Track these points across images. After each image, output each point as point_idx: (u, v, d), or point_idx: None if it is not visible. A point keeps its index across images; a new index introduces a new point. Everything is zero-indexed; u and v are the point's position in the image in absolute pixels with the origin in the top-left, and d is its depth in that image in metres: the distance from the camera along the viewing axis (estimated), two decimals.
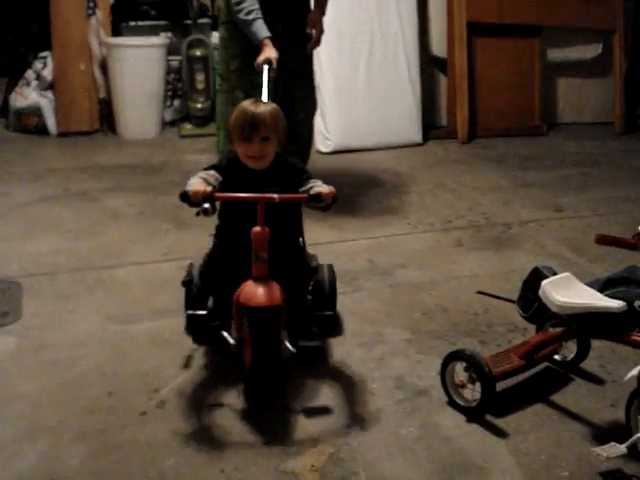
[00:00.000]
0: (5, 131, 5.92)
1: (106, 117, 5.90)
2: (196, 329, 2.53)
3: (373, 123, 5.49)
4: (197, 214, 2.24)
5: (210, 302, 2.54)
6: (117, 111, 5.81)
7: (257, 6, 3.50)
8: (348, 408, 2.36)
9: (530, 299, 2.73)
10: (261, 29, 3.48)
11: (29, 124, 5.82)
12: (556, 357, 2.60)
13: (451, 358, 2.38)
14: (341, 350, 2.70)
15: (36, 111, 5.80)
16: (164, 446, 2.17)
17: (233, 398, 2.39)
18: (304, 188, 2.40)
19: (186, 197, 2.24)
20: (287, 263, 2.39)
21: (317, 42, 3.88)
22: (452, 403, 2.38)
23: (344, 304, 2.98)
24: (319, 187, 2.36)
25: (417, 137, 5.72)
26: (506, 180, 4.89)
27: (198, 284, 2.58)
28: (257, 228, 2.24)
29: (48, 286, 3.18)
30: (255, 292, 2.21)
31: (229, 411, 2.33)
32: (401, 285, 3.27)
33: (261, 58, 3.35)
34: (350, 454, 2.14)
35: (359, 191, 4.56)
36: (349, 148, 5.44)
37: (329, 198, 2.30)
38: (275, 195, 2.24)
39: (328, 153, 5.41)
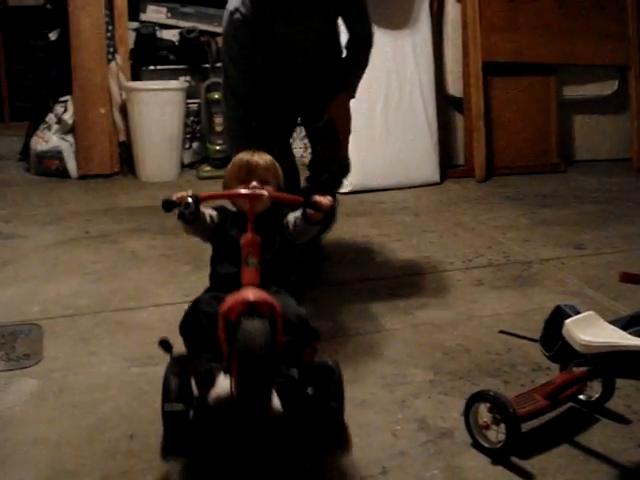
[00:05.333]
0: (26, 174, 6.01)
1: (126, 160, 5.97)
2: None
3: (391, 164, 5.52)
4: (179, 216, 2.13)
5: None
6: (137, 154, 5.88)
7: None
8: (371, 450, 2.33)
9: (553, 338, 2.70)
10: None
11: (50, 167, 5.90)
12: (581, 397, 2.56)
13: (475, 399, 2.35)
14: (363, 392, 2.68)
15: (57, 154, 5.88)
16: None
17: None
18: (289, 219, 2.30)
19: (169, 203, 2.12)
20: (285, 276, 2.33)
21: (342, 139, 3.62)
22: (476, 445, 2.34)
23: (365, 345, 2.97)
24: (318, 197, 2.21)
25: (435, 176, 5.73)
26: (525, 218, 4.88)
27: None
28: (248, 235, 2.13)
29: (69, 328, 3.19)
30: (245, 293, 2.05)
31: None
32: (422, 325, 3.25)
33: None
34: None
35: (377, 231, 4.57)
36: (367, 188, 5.46)
37: (326, 207, 2.16)
38: (265, 192, 2.19)
39: (346, 193, 5.43)
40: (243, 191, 2.20)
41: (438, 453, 2.32)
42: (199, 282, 3.64)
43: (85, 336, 3.12)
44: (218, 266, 2.35)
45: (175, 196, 2.13)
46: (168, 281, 3.72)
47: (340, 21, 3.53)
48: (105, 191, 5.55)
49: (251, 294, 2.03)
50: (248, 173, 2.31)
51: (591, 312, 2.45)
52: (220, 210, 2.35)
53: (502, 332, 3.15)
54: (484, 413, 2.32)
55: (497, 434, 2.28)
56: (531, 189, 5.61)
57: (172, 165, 5.94)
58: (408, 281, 3.77)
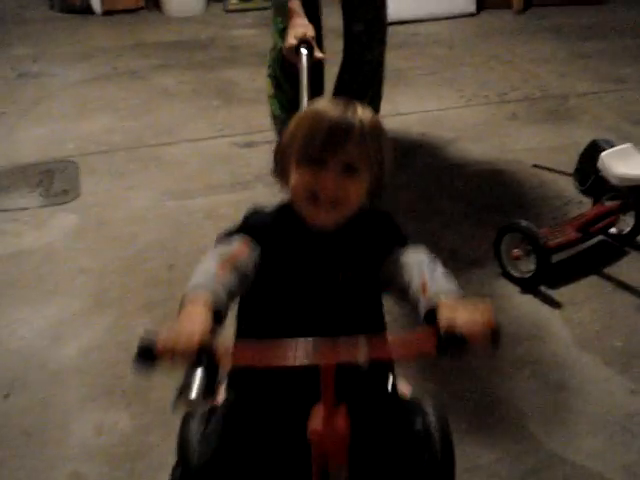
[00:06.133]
0: (50, 11, 5.87)
1: None
2: None
3: None
4: (173, 407, 0.98)
5: None
6: None
7: None
8: None
9: (587, 172, 2.70)
10: None
11: (74, 3, 5.75)
12: (612, 230, 2.57)
13: (506, 230, 2.37)
14: None
15: None
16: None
17: None
18: (388, 270, 1.20)
19: (150, 355, 0.95)
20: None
21: None
22: (506, 274, 2.39)
23: (397, 179, 2.97)
24: (454, 306, 1.04)
25: (470, 7, 5.50)
26: (563, 51, 4.71)
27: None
28: (322, 410, 1.05)
29: (104, 164, 3.23)
30: None
31: None
32: (455, 158, 3.23)
33: (291, 39, 2.16)
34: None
35: (412, 64, 4.45)
36: (400, 19, 5.25)
37: (483, 337, 0.99)
38: (362, 355, 1.00)
39: None
40: (309, 360, 1.00)
41: (468, 282, 2.38)
42: (229, 116, 3.66)
43: (121, 171, 3.16)
44: (253, 319, 1.28)
45: (166, 341, 0.96)
46: (199, 116, 3.70)
47: None
48: (131, 27, 5.43)
49: None
50: (329, 146, 1.17)
51: (628, 145, 2.42)
52: (256, 230, 1.24)
53: (535, 166, 3.13)
54: (515, 244, 2.35)
55: (527, 264, 2.33)
56: (570, 21, 5.38)
57: None
58: (441, 115, 3.71)
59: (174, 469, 1.34)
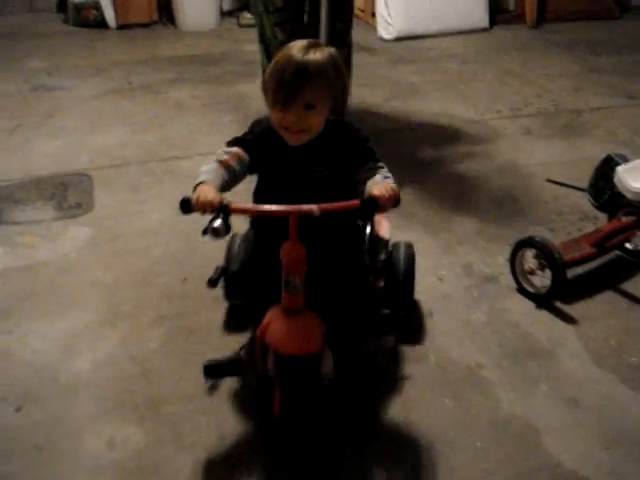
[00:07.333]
0: (65, 25, 5.92)
1: (164, 8, 5.84)
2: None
3: (438, 7, 5.31)
4: (204, 233, 1.55)
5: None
6: (175, 1, 5.72)
7: None
8: (417, 293, 2.38)
9: (602, 187, 2.67)
10: None
11: (88, 17, 5.80)
12: (627, 246, 2.56)
13: (521, 245, 2.36)
14: (409, 236, 2.69)
15: (94, 4, 5.76)
16: (239, 329, 2.23)
17: None
18: (359, 176, 1.75)
19: (188, 207, 1.57)
20: (338, 264, 1.84)
21: None
22: (521, 290, 2.38)
23: (409, 194, 2.97)
24: (377, 183, 1.66)
25: (484, 22, 5.51)
26: (576, 66, 4.71)
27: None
28: (289, 245, 1.63)
29: (118, 178, 3.24)
30: (285, 334, 1.66)
31: None
32: (468, 173, 3.22)
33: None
34: (419, 338, 2.18)
35: (425, 79, 4.46)
36: (413, 34, 5.28)
37: (389, 203, 1.60)
38: (314, 206, 1.56)
39: (391, 40, 5.27)
40: (279, 208, 1.60)
41: (482, 297, 2.37)
42: (242, 130, 3.65)
43: (134, 185, 3.17)
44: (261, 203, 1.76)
45: (196, 200, 1.56)
46: (212, 130, 3.72)
47: None
48: (145, 41, 5.46)
49: (295, 344, 1.65)
50: (291, 90, 1.64)
51: None
52: (249, 142, 1.78)
53: (549, 181, 3.12)
54: (530, 259, 2.34)
55: (542, 279, 2.31)
56: (583, 36, 5.38)
57: (211, 12, 5.79)
58: (454, 130, 3.71)
59: (216, 270, 1.99)
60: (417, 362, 2.08)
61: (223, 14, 5.95)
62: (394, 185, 1.64)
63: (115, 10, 5.74)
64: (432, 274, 2.49)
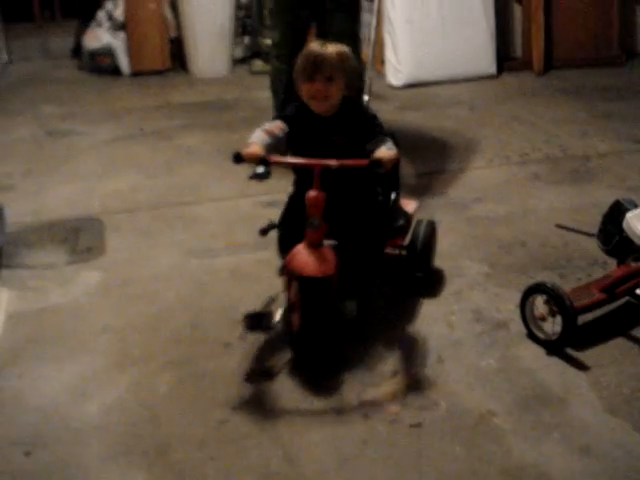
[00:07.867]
0: (80, 72, 6.02)
1: (177, 55, 5.94)
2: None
3: (446, 54, 5.38)
4: (250, 178, 2.20)
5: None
6: (188, 49, 5.84)
7: None
8: (427, 340, 2.38)
9: (611, 232, 2.67)
10: None
11: (102, 64, 5.90)
12: (638, 291, 2.54)
13: (532, 291, 2.36)
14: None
15: (109, 52, 5.87)
16: (248, 376, 2.22)
17: None
18: (369, 146, 2.24)
19: (240, 158, 2.15)
20: (356, 222, 2.34)
21: None
22: (532, 336, 2.37)
23: None
24: (382, 150, 2.18)
25: (491, 69, 5.58)
26: (584, 112, 4.75)
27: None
28: (312, 192, 2.15)
29: (129, 222, 3.27)
30: (306, 261, 2.13)
31: None
32: (478, 219, 3.24)
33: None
34: (430, 385, 2.17)
35: (433, 125, 4.50)
36: (421, 81, 5.35)
37: (390, 165, 2.16)
38: (333, 161, 2.14)
39: (400, 87, 5.33)
40: (306, 160, 2.19)
41: (493, 343, 2.36)
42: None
43: (145, 230, 3.20)
44: (298, 171, 2.41)
45: (245, 151, 2.14)
46: (222, 176, 3.74)
47: None
48: (158, 88, 5.55)
49: (314, 268, 2.12)
50: (315, 68, 2.25)
51: None
52: (287, 116, 2.36)
53: (559, 226, 3.13)
54: (540, 305, 2.33)
55: (553, 326, 2.30)
56: (590, 82, 5.43)
57: (224, 60, 5.88)
58: (463, 175, 3.74)
59: (269, 223, 2.42)
60: (428, 409, 2.07)
61: (235, 62, 6.04)
62: (395, 152, 2.20)
63: (129, 57, 5.85)
64: (442, 320, 2.49)
